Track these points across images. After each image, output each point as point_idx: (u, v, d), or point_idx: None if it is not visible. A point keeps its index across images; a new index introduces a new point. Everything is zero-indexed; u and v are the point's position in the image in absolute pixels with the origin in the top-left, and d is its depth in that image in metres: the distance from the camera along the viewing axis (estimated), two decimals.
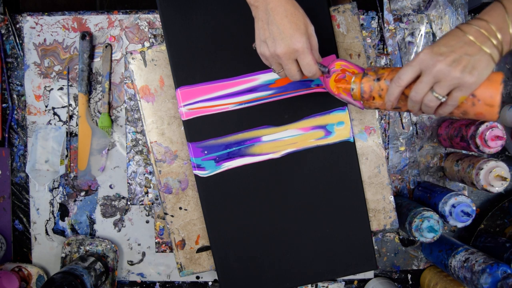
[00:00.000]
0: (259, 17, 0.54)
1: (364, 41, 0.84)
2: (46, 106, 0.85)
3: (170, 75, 0.73)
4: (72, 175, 0.86)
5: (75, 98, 0.85)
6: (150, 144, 0.73)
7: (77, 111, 0.85)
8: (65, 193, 0.86)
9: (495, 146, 0.72)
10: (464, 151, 0.84)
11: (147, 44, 0.84)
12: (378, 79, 0.55)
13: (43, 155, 0.83)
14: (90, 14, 0.84)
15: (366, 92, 0.56)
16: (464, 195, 0.75)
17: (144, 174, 0.86)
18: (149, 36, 0.84)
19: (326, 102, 0.71)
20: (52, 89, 0.85)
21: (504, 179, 0.72)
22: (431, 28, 0.84)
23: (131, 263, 0.88)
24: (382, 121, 0.85)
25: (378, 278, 0.86)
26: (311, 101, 0.71)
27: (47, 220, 0.87)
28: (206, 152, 0.71)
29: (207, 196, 0.71)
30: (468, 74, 0.47)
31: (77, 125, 0.85)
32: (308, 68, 0.55)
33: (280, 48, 0.53)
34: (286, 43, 0.53)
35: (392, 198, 0.74)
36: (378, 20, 0.84)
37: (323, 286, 0.88)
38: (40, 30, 0.84)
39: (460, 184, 0.86)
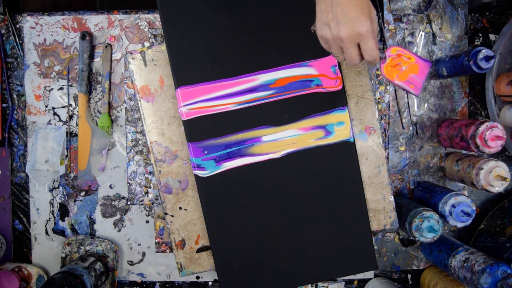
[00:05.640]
0: None
1: None
2: (46, 106, 0.85)
3: (170, 75, 0.73)
4: (72, 175, 0.86)
5: (75, 98, 0.85)
6: (150, 144, 0.73)
7: (77, 111, 0.85)
8: (65, 193, 0.86)
9: (495, 146, 0.72)
10: (464, 151, 0.84)
11: (147, 44, 0.84)
12: None
13: (43, 155, 0.83)
14: (90, 14, 0.84)
15: None
16: (464, 195, 0.75)
17: (144, 174, 0.86)
18: (149, 36, 0.84)
19: (326, 102, 0.71)
20: (52, 89, 0.85)
21: (504, 179, 0.72)
22: (431, 28, 0.84)
23: (131, 263, 0.87)
24: (382, 121, 0.85)
25: (378, 278, 0.86)
26: (311, 101, 0.71)
27: (47, 220, 0.87)
28: (206, 152, 0.71)
29: (207, 196, 0.71)
30: None
31: (77, 125, 0.85)
32: (370, 52, 0.54)
33: (344, 31, 0.52)
34: (351, 27, 0.52)
35: (392, 198, 0.74)
36: (378, 20, 0.84)
37: (323, 286, 0.88)
38: (40, 30, 0.84)
39: (460, 184, 0.86)
